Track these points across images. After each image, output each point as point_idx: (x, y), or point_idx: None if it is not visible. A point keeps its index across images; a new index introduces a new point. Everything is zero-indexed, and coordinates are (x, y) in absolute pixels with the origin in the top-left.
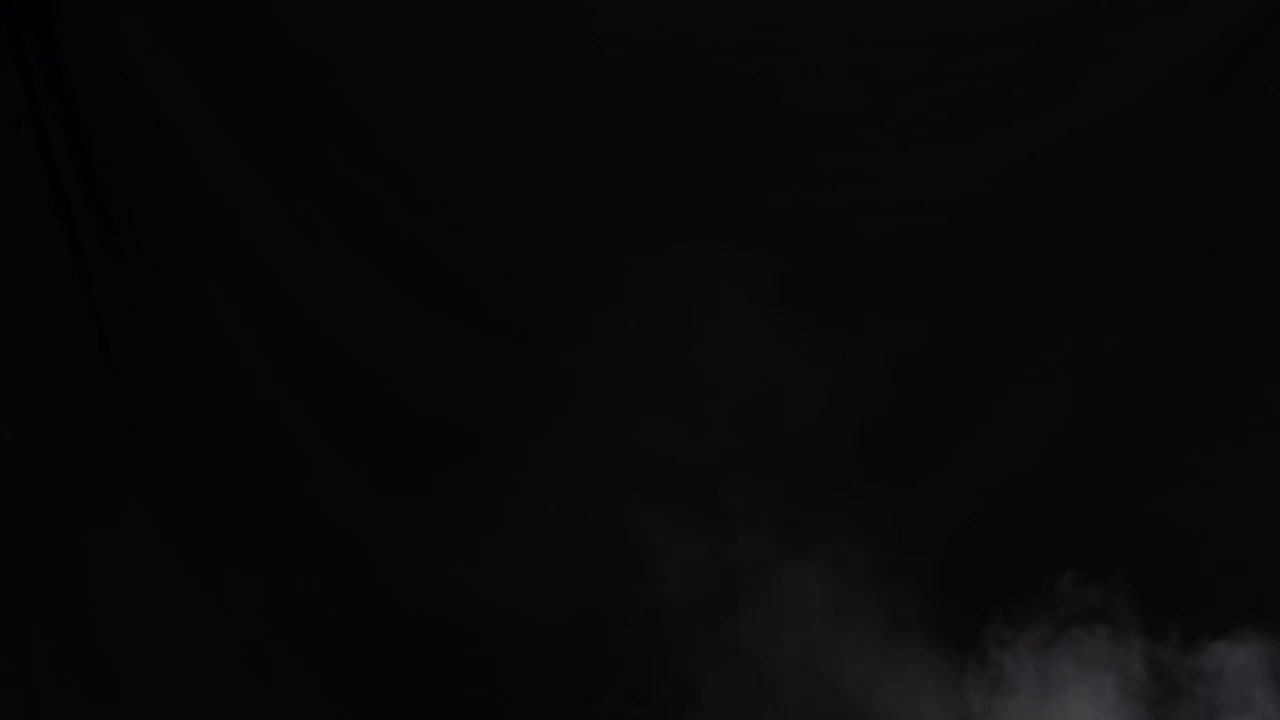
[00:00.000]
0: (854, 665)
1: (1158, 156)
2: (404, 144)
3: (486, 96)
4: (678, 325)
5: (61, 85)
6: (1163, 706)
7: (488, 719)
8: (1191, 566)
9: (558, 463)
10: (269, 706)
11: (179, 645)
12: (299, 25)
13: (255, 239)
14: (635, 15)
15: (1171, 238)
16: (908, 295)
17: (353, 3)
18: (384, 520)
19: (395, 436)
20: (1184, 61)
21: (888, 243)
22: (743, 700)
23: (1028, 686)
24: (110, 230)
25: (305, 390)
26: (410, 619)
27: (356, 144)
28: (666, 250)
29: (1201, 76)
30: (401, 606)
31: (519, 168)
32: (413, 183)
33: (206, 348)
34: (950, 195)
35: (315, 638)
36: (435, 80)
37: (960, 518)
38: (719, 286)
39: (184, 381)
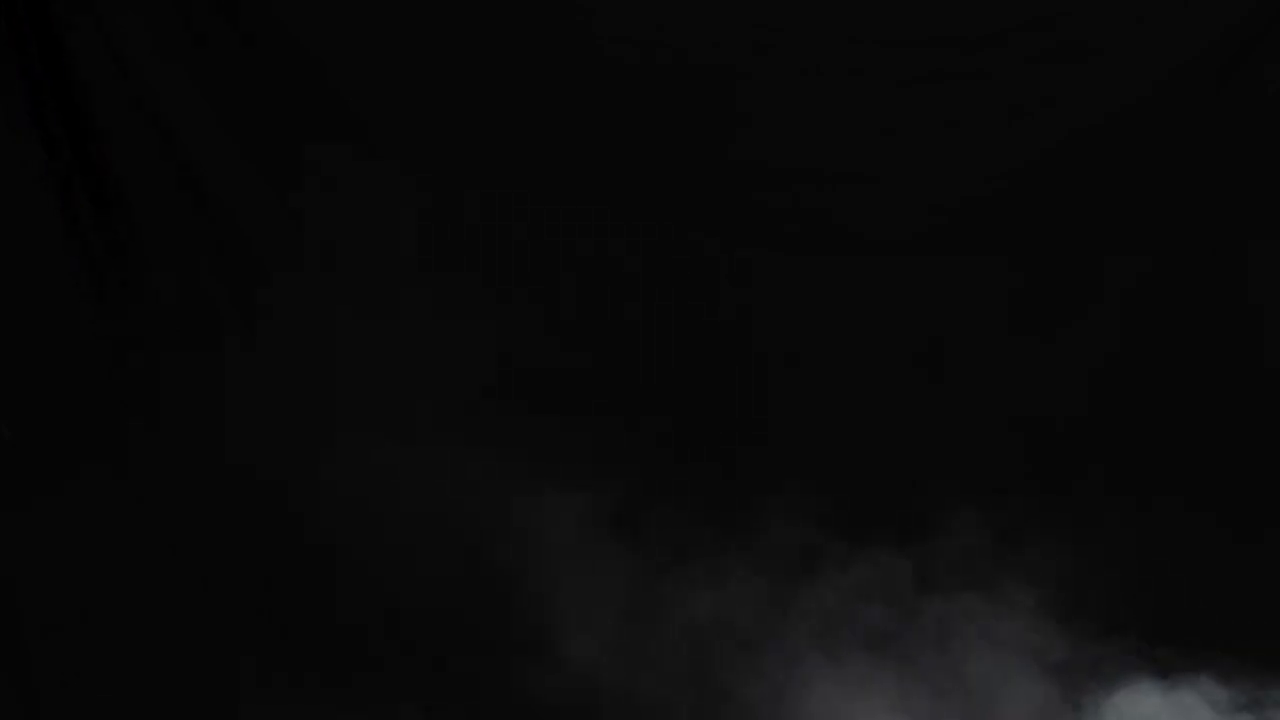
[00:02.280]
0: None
1: (1158, 156)
2: (404, 144)
3: (487, 96)
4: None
5: (62, 85)
6: None
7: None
8: None
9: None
10: (264, 702)
11: (174, 642)
12: (299, 25)
13: (255, 238)
14: (635, 15)
15: (1172, 237)
16: (906, 294)
17: (354, 3)
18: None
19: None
20: (1184, 61)
21: (887, 242)
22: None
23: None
24: (111, 229)
25: (302, 389)
26: (399, 612)
27: (356, 144)
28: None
29: (1202, 76)
30: (392, 596)
31: (520, 166)
32: (413, 182)
33: (205, 347)
34: (950, 195)
35: (310, 635)
36: (435, 80)
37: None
38: None
39: (182, 381)
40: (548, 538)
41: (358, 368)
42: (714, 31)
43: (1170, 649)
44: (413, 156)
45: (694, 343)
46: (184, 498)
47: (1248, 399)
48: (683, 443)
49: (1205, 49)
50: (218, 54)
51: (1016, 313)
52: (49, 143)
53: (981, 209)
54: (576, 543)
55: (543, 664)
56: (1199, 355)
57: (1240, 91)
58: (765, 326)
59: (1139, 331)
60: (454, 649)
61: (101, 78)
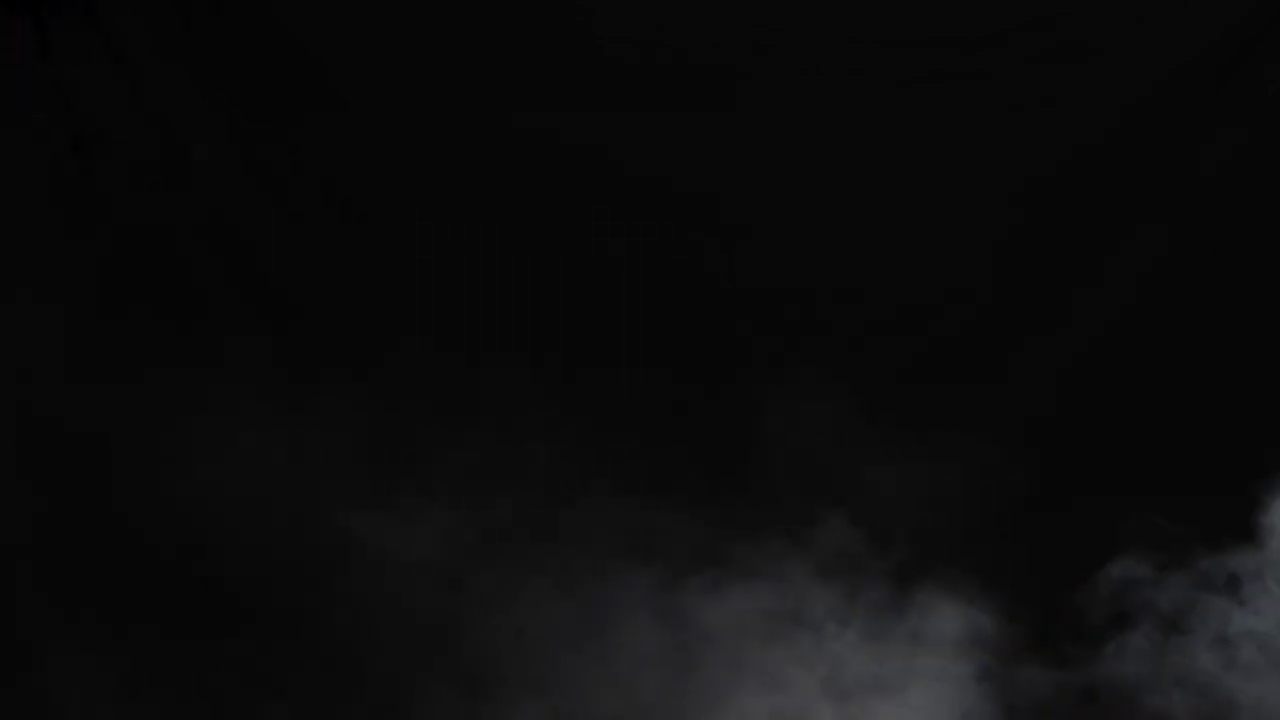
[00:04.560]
0: None
1: (1158, 155)
2: (404, 142)
3: (489, 96)
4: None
5: (62, 85)
6: None
7: None
8: None
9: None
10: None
11: None
12: (299, 26)
13: (255, 239)
14: (635, 15)
15: (1171, 236)
16: (906, 296)
17: (354, 4)
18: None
19: None
20: (1184, 61)
21: (889, 242)
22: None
23: None
24: (109, 225)
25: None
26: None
27: (355, 144)
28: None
29: (1202, 76)
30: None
31: (520, 165)
32: (411, 182)
33: (207, 347)
34: (952, 195)
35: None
36: (436, 79)
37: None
38: None
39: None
40: None
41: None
42: (714, 31)
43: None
44: (412, 154)
45: (695, 346)
46: None
47: (1245, 393)
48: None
49: (1205, 49)
50: (218, 54)
51: (1014, 311)
52: (49, 142)
53: (982, 208)
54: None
55: None
56: (1197, 351)
57: (1240, 91)
58: (765, 332)
59: (1137, 328)
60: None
61: (102, 78)
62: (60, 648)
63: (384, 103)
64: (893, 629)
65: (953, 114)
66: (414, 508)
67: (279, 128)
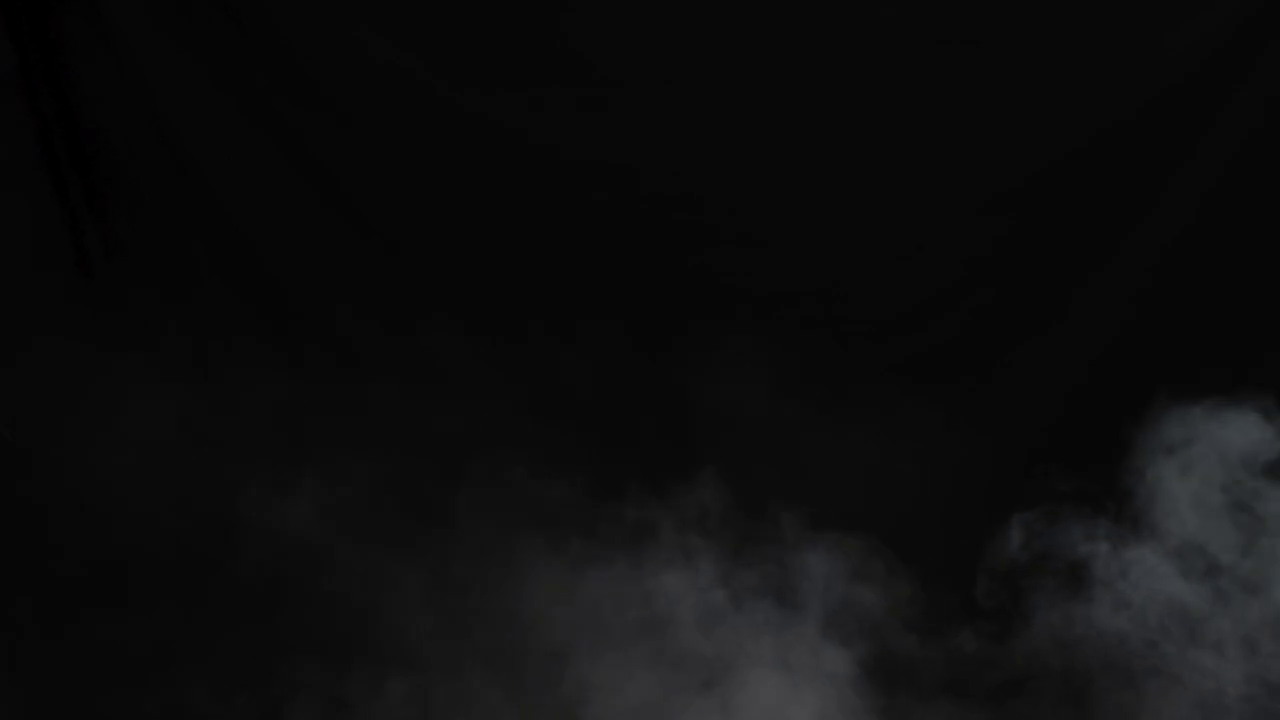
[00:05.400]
0: None
1: (1162, 162)
2: (402, 139)
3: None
4: None
5: (61, 85)
6: None
7: None
8: None
9: None
10: None
11: None
12: (294, 28)
13: (256, 239)
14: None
15: (1174, 241)
16: (915, 302)
17: (353, 4)
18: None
19: None
20: (1184, 65)
21: (886, 241)
22: None
23: None
24: (110, 229)
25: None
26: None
27: (353, 146)
28: None
29: (1202, 78)
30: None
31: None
32: (403, 184)
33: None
34: (954, 199)
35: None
36: (429, 82)
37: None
38: None
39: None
40: None
41: None
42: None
43: None
44: (411, 149)
45: (690, 344)
46: None
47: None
48: None
49: (1211, 56)
50: (220, 54)
51: (1015, 312)
52: (48, 142)
53: (982, 213)
54: None
55: None
56: (1198, 351)
57: (1247, 97)
58: (755, 333)
59: (1133, 333)
60: None
61: (101, 78)
62: None
63: (382, 104)
64: (805, 610)
65: (952, 111)
66: (308, 484)
67: (277, 128)
